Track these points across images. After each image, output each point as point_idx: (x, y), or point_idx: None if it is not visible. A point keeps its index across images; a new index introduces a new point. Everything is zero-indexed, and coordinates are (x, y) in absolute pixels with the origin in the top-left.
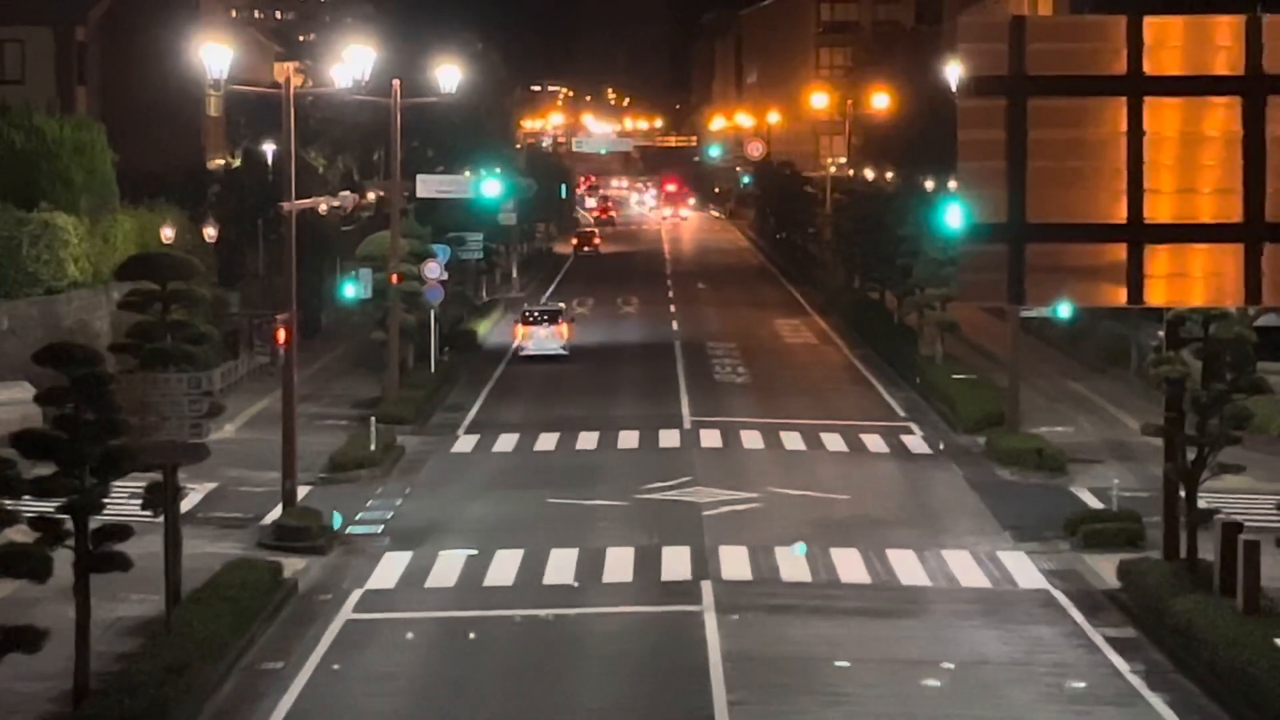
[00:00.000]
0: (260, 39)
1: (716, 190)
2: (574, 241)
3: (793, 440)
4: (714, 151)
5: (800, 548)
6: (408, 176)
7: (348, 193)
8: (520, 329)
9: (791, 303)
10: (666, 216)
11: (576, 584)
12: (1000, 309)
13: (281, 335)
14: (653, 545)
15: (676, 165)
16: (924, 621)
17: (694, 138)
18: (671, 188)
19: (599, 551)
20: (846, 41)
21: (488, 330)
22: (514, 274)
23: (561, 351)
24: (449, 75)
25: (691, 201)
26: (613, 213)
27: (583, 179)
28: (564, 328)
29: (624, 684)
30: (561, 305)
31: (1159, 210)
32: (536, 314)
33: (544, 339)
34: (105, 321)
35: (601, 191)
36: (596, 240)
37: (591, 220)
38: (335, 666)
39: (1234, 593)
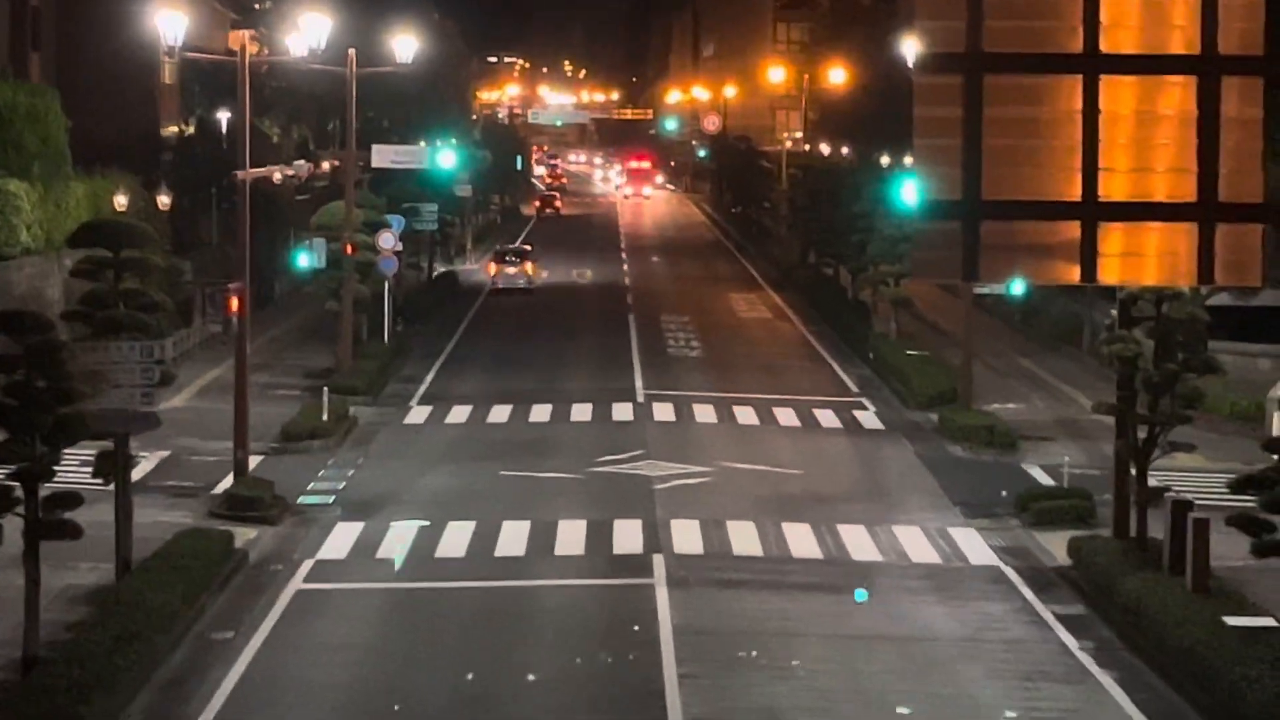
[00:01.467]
0: (215, 6)
1: (672, 164)
2: (536, 204)
3: (746, 415)
4: (670, 125)
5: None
6: (363, 147)
7: (302, 162)
8: (494, 266)
9: (746, 277)
10: (628, 196)
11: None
12: (954, 286)
13: (234, 304)
14: (605, 518)
15: (642, 140)
16: (874, 597)
17: (650, 111)
18: (639, 164)
19: (551, 524)
20: (804, 16)
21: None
22: (468, 246)
23: (528, 286)
24: (405, 45)
25: (660, 180)
26: (563, 180)
27: (536, 149)
28: (529, 266)
29: (575, 656)
30: (529, 247)
31: (1113, 189)
32: (508, 255)
33: (513, 275)
34: (57, 289)
35: (551, 160)
36: (558, 203)
37: (543, 188)
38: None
39: (1183, 571)
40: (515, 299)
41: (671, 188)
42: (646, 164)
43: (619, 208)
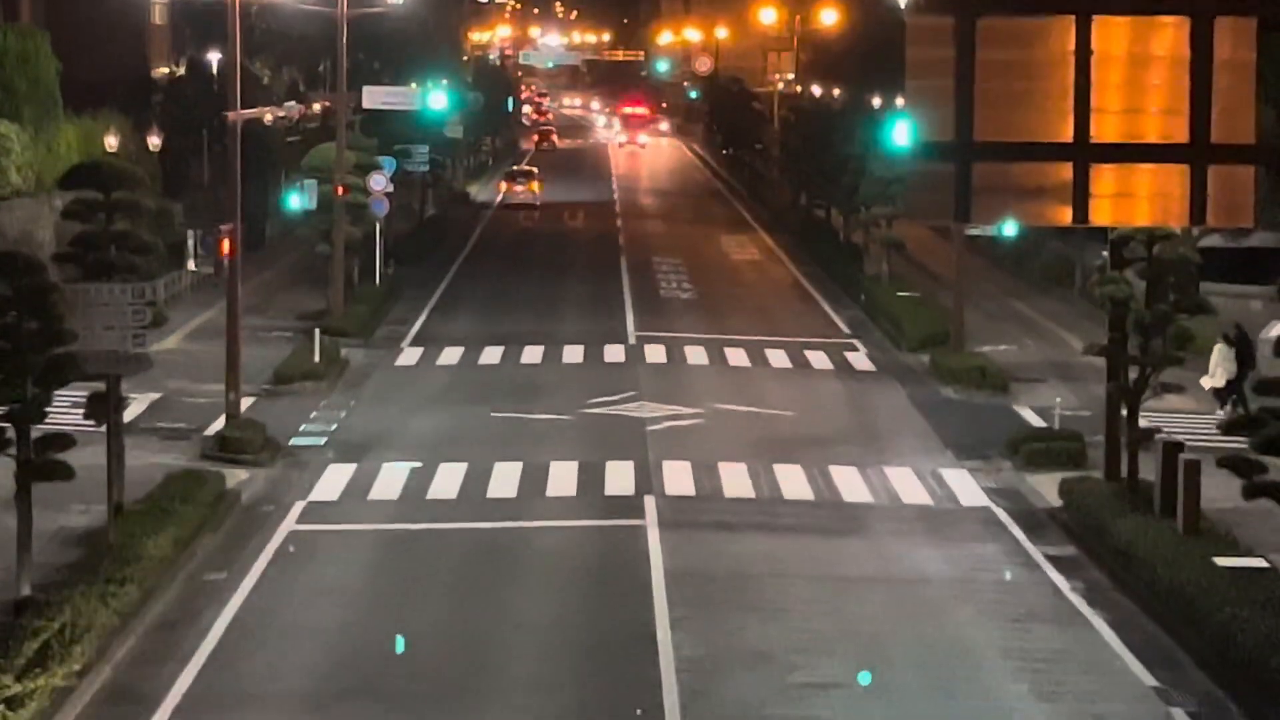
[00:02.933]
0: None
1: (664, 105)
2: (535, 138)
3: (737, 356)
4: (661, 66)
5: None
6: (354, 88)
7: (293, 104)
8: (504, 185)
9: (738, 220)
10: (623, 144)
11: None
12: (946, 228)
13: (226, 246)
14: (596, 460)
15: (633, 81)
16: (866, 539)
17: (641, 53)
18: (634, 109)
19: (543, 466)
20: None
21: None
22: (460, 186)
23: (535, 202)
24: None
25: (664, 127)
26: (549, 115)
27: (525, 88)
28: (536, 185)
29: (567, 598)
30: (534, 169)
31: (1106, 130)
32: (517, 175)
33: (520, 192)
34: (48, 231)
35: (540, 97)
36: (554, 136)
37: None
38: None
39: (1174, 513)
40: (516, 231)
41: (665, 129)
42: (642, 109)
43: (610, 151)
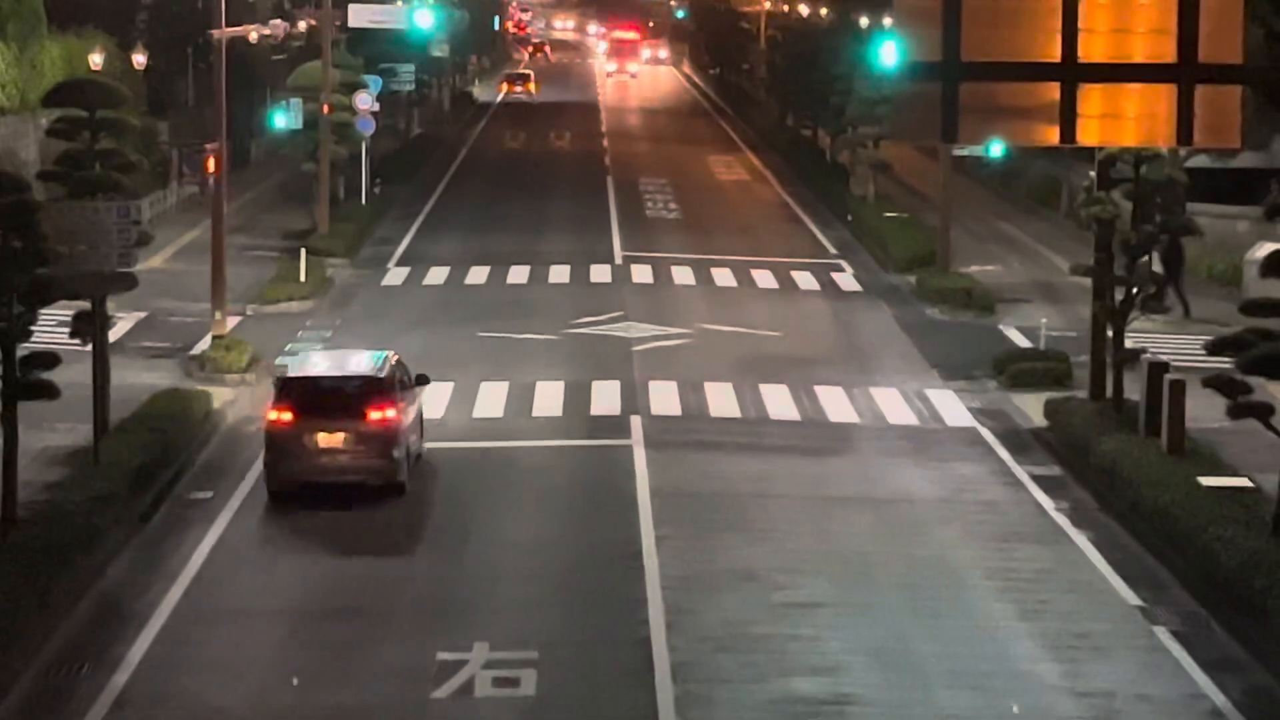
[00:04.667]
0: None
1: (650, 24)
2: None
3: (724, 277)
4: None
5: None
6: (340, 5)
7: (279, 21)
8: (504, 86)
9: (725, 139)
10: (611, 73)
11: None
12: (933, 148)
13: (211, 165)
14: (582, 380)
15: (633, 9)
16: (851, 458)
17: None
18: (624, 34)
19: (529, 385)
20: None
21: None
22: (445, 106)
23: (532, 99)
24: None
25: (663, 54)
26: (537, 51)
27: (511, 20)
28: (533, 85)
29: (553, 517)
30: (530, 73)
31: (1093, 50)
32: (515, 76)
33: (519, 92)
34: (33, 149)
35: (518, 25)
36: (530, 85)
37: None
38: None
39: (1159, 433)
40: (502, 151)
41: (664, 56)
42: (633, 34)
43: (598, 74)
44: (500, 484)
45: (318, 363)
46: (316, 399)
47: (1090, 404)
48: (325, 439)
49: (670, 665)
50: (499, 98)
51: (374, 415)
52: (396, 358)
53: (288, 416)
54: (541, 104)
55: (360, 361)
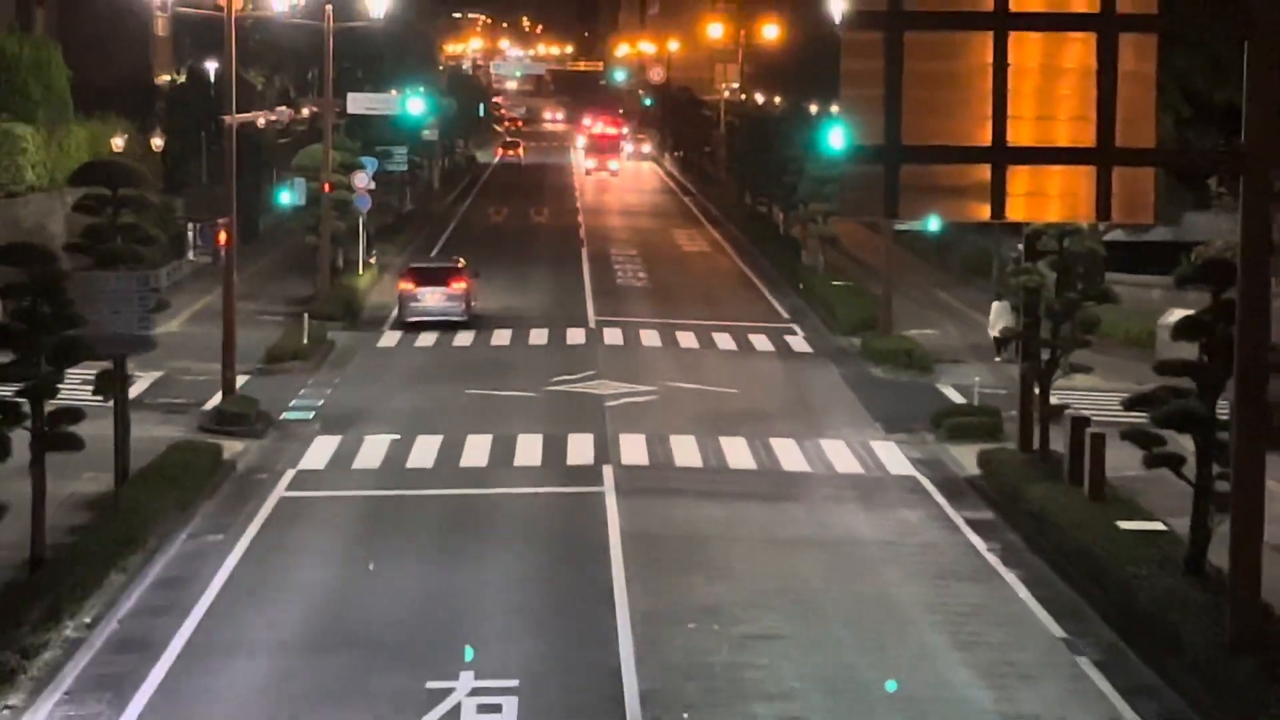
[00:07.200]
0: None
1: (621, 112)
2: (500, 150)
3: (687, 339)
4: (619, 76)
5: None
6: (339, 94)
7: (284, 108)
8: (499, 150)
9: (689, 214)
10: (590, 170)
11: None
12: (876, 223)
13: (222, 238)
14: (559, 433)
15: (594, 90)
16: (803, 504)
17: (600, 63)
18: (605, 129)
19: (511, 438)
20: None
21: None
22: (435, 185)
23: (519, 161)
24: (378, 1)
25: (647, 149)
26: (520, 128)
27: (497, 102)
28: (522, 150)
29: (533, 558)
30: (521, 141)
31: (1020, 135)
32: (509, 143)
33: (511, 156)
34: (60, 223)
35: (507, 114)
36: (520, 149)
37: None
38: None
39: (1081, 481)
40: (486, 225)
41: (648, 151)
42: (614, 129)
43: (572, 148)
44: (485, 528)
45: None
46: None
47: (1019, 455)
48: None
49: (640, 692)
50: (495, 159)
51: None
52: None
53: None
54: (524, 183)
55: None
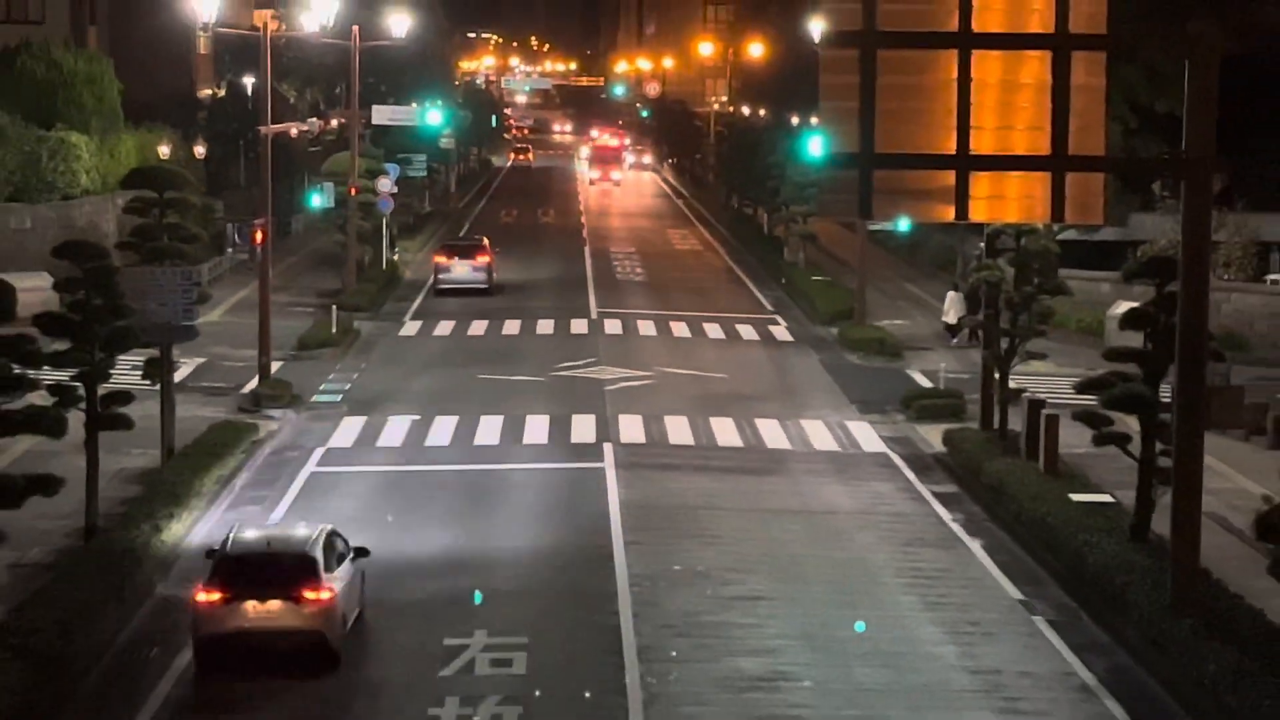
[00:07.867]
0: None
1: (620, 123)
2: (511, 155)
3: (680, 329)
4: (618, 90)
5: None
6: (365, 106)
7: (315, 119)
8: (511, 155)
9: (682, 216)
10: (594, 180)
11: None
12: (852, 223)
13: (258, 236)
14: (564, 414)
15: (596, 103)
16: (785, 478)
17: (601, 79)
18: (606, 139)
19: (520, 418)
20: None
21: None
22: (452, 189)
23: (529, 165)
24: (400, 22)
25: (648, 159)
26: (528, 145)
27: (511, 122)
28: (530, 155)
29: (540, 526)
30: (530, 146)
31: (982, 143)
32: (518, 149)
33: (522, 160)
34: (112, 223)
35: (517, 129)
36: (529, 155)
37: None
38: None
39: (1037, 457)
40: (499, 225)
41: (649, 162)
42: (616, 141)
43: (577, 158)
44: (497, 499)
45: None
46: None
47: (981, 433)
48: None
49: (637, 648)
50: (508, 163)
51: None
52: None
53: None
54: (532, 188)
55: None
